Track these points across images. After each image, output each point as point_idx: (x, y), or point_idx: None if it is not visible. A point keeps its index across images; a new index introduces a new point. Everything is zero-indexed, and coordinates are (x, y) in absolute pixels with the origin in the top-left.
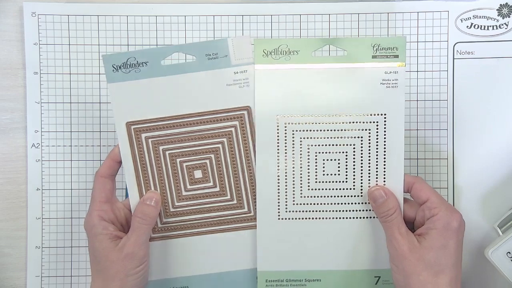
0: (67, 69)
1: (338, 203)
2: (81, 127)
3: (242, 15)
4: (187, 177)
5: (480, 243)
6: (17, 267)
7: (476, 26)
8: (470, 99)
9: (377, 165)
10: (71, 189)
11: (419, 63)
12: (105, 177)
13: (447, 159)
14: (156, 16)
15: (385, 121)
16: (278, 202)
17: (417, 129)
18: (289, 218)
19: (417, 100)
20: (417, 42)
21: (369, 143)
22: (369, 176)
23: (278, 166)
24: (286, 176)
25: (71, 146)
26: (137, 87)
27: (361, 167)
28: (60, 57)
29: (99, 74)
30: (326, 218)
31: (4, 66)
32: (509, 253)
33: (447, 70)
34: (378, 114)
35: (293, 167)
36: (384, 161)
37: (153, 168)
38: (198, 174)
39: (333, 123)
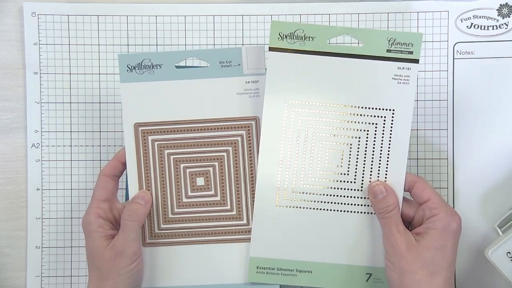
0: (67, 69)
1: (337, 195)
2: (81, 127)
3: (242, 15)
4: (189, 184)
5: (480, 243)
6: (17, 267)
7: (476, 26)
8: (470, 99)
9: (380, 160)
10: (71, 189)
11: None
12: (108, 176)
13: (447, 159)
14: (156, 16)
15: (392, 117)
16: (278, 189)
17: (417, 129)
18: (287, 206)
19: (417, 100)
20: None
21: (375, 137)
22: (371, 171)
23: (282, 151)
24: (288, 162)
25: (71, 146)
26: (149, 89)
27: (364, 161)
28: (60, 57)
29: (99, 74)
30: (324, 209)
31: (4, 66)
32: (509, 253)
33: (447, 70)
34: (386, 109)
35: (297, 154)
36: (388, 157)
37: (156, 172)
38: (200, 181)
39: (340, 113)
